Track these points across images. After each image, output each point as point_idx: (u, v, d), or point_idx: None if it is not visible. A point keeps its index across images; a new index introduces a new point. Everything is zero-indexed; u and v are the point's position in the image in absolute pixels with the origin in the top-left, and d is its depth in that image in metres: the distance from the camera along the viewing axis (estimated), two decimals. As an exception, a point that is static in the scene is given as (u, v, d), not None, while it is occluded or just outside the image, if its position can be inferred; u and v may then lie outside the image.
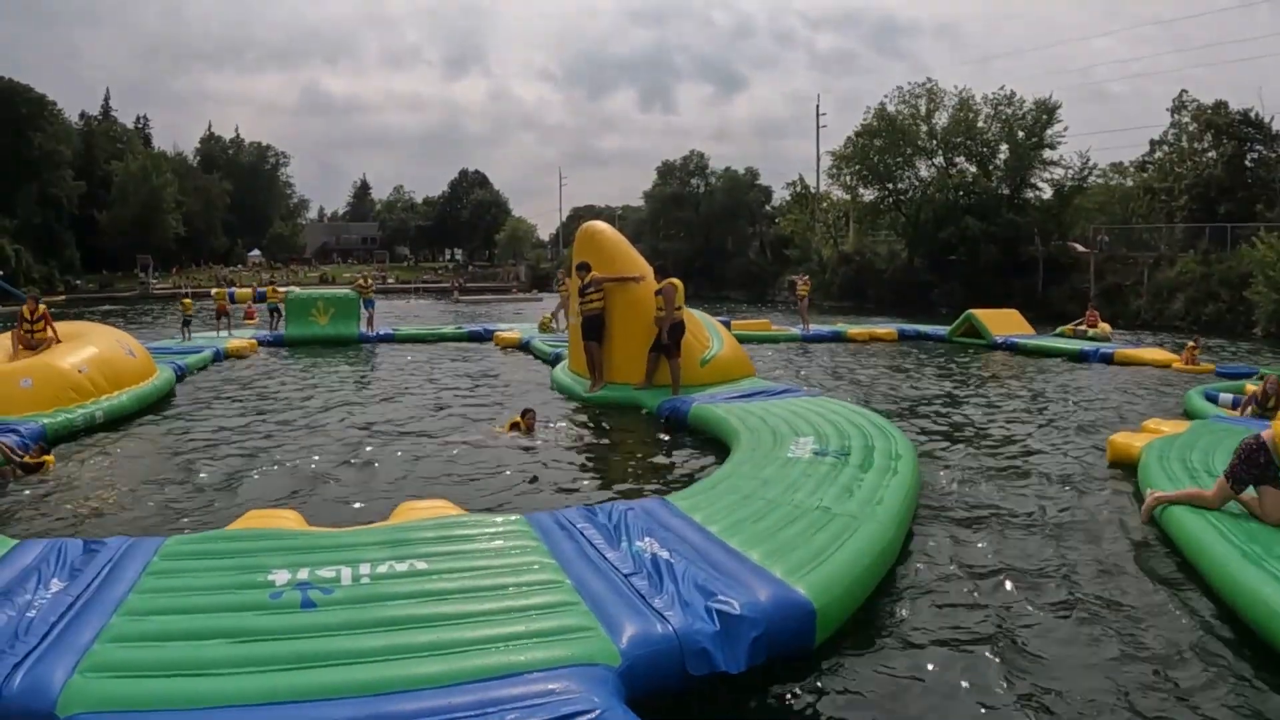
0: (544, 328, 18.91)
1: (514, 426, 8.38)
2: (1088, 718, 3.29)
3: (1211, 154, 34.12)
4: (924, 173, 39.36)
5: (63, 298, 43.59)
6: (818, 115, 51.02)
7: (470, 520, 4.80)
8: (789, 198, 51.16)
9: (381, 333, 19.39)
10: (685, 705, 3.29)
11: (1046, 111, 36.14)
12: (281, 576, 3.81)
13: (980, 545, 5.24)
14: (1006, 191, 36.77)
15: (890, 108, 39.20)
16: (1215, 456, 6.47)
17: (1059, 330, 19.35)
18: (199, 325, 20.78)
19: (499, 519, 4.80)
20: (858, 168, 39.81)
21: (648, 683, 3.15)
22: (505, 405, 10.29)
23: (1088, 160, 36.87)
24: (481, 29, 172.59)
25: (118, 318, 29.58)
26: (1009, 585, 4.58)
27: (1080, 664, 3.72)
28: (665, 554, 4.13)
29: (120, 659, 3.08)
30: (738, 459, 6.47)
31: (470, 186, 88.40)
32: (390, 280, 60.32)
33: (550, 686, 2.90)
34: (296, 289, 22.92)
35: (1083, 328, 19.02)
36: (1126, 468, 7.02)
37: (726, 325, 13.86)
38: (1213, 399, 10.08)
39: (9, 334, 10.46)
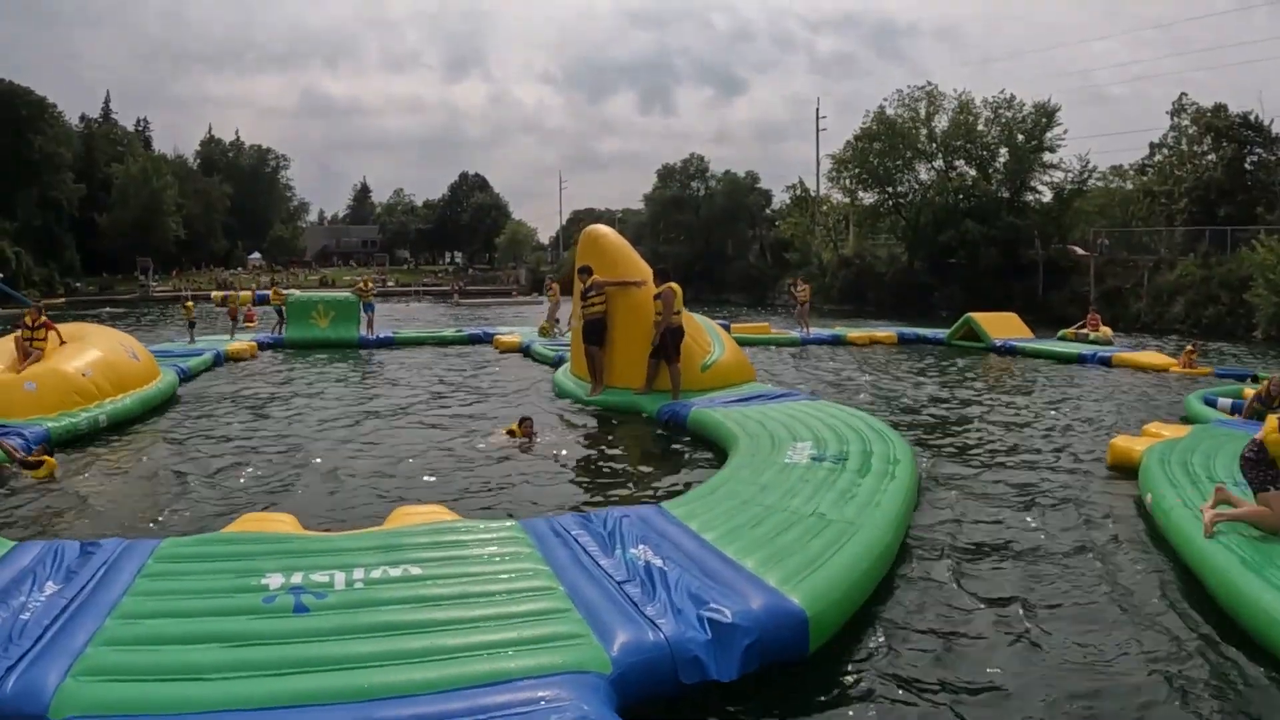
0: (544, 333, 18.89)
1: (510, 434, 8.37)
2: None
3: (1211, 157, 34.04)
4: (924, 176, 39.38)
5: (62, 300, 43.65)
6: (817, 118, 51.12)
7: (465, 526, 4.80)
8: (789, 201, 51.21)
9: (381, 336, 19.39)
10: (678, 713, 3.28)
11: (1046, 115, 36.16)
12: (275, 580, 3.82)
13: (978, 549, 5.23)
14: (1006, 195, 36.77)
15: (890, 111, 39.24)
16: (1217, 461, 6.46)
17: (1061, 334, 19.36)
18: (200, 328, 20.80)
19: (494, 525, 4.81)
20: (857, 171, 39.82)
21: (639, 691, 3.15)
22: (504, 410, 10.29)
23: (1087, 163, 37.01)
24: (481, 32, 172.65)
25: (129, 320, 29.62)
26: (1006, 589, 4.58)
27: (1078, 668, 3.71)
28: (659, 561, 4.13)
29: (113, 662, 3.09)
30: (735, 464, 6.47)
31: (470, 189, 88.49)
32: (390, 283, 60.39)
33: (541, 694, 2.90)
34: (296, 292, 22.91)
35: (1084, 331, 19.03)
36: (1127, 471, 7.01)
37: (726, 329, 13.88)
38: (1211, 403, 10.07)
39: (9, 337, 10.44)
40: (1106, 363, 15.44)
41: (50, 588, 3.77)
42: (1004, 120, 37.03)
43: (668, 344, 9.92)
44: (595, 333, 10.58)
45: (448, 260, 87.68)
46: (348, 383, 13.22)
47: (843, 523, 4.80)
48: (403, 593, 3.75)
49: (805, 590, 3.82)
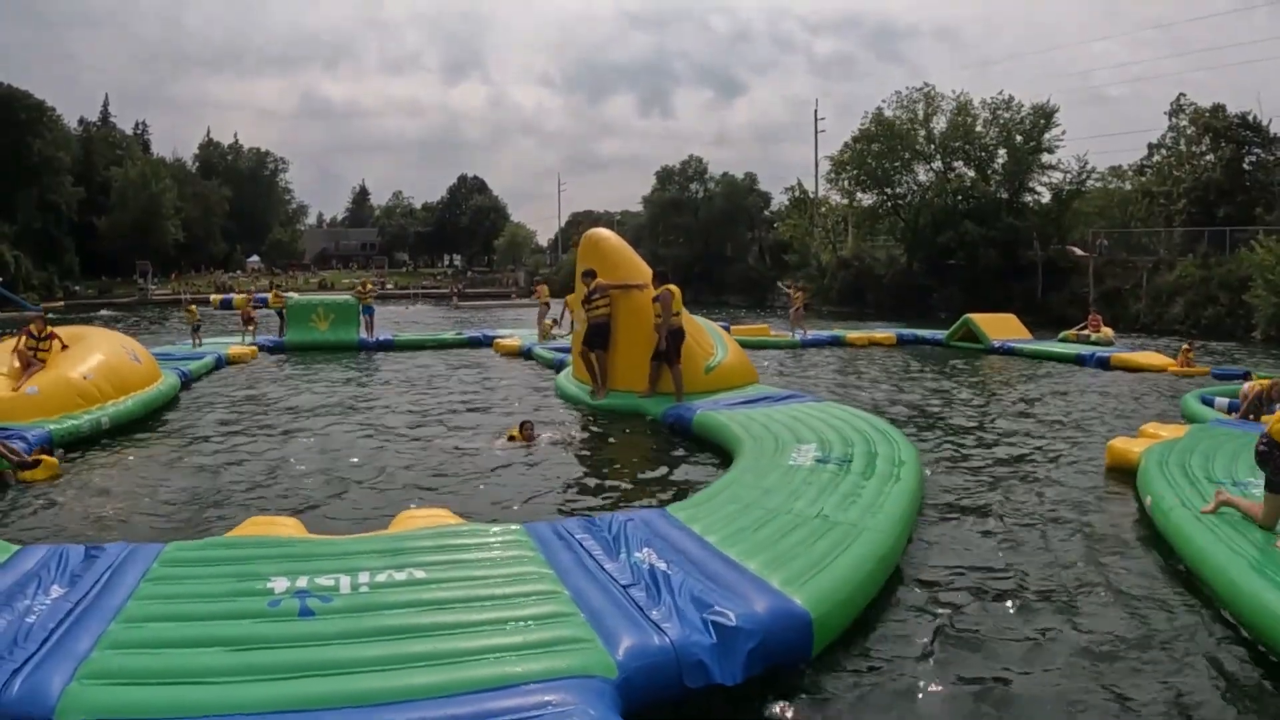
0: (545, 335, 18.89)
1: (512, 439, 8.37)
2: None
3: (1210, 157, 34.10)
4: (922, 177, 39.40)
5: (61, 303, 43.60)
6: (816, 120, 51.07)
7: (469, 530, 4.80)
8: (788, 203, 51.18)
9: (381, 339, 19.38)
10: (683, 716, 3.29)
11: (1044, 115, 36.17)
12: (280, 584, 3.82)
13: (980, 551, 5.24)
14: (1005, 196, 36.78)
15: (888, 112, 39.26)
16: (1215, 461, 6.47)
17: (1062, 335, 19.37)
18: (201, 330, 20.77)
19: (498, 529, 4.80)
20: (855, 173, 39.84)
21: (644, 695, 3.16)
22: (505, 414, 10.29)
23: (1086, 164, 37.00)
24: (480, 34, 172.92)
25: (131, 322, 29.58)
26: (1008, 590, 4.59)
27: (1079, 668, 3.72)
28: (663, 565, 4.13)
29: (118, 666, 3.09)
30: (740, 467, 6.47)
31: (469, 192, 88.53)
32: (389, 286, 60.39)
33: (546, 698, 2.91)
34: (295, 295, 22.92)
35: (1085, 332, 19.05)
36: (1125, 472, 7.02)
37: (726, 330, 13.88)
38: (1209, 403, 10.08)
39: (10, 345, 10.39)
40: (1104, 363, 15.46)
41: (55, 591, 3.78)
42: (1002, 121, 37.05)
43: (669, 346, 9.93)
44: (600, 335, 10.58)
45: (447, 263, 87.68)
46: (348, 386, 13.21)
47: (847, 525, 4.81)
48: (407, 597, 3.76)
49: (809, 593, 3.83)
